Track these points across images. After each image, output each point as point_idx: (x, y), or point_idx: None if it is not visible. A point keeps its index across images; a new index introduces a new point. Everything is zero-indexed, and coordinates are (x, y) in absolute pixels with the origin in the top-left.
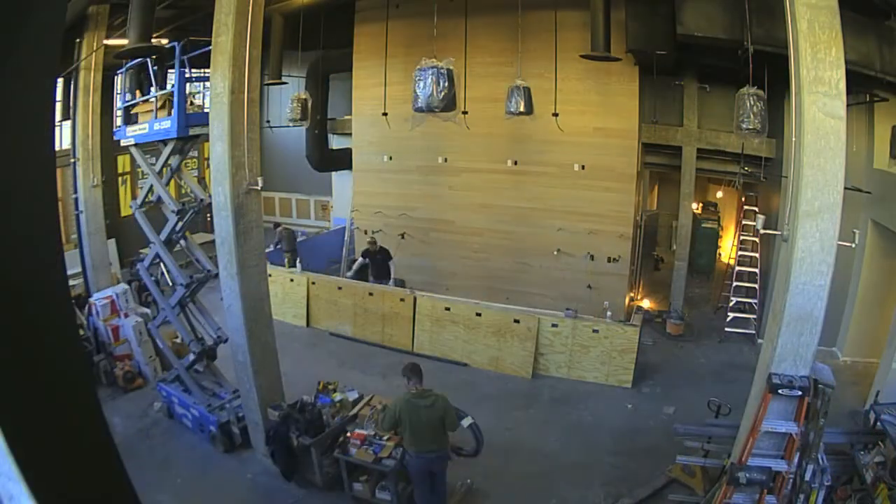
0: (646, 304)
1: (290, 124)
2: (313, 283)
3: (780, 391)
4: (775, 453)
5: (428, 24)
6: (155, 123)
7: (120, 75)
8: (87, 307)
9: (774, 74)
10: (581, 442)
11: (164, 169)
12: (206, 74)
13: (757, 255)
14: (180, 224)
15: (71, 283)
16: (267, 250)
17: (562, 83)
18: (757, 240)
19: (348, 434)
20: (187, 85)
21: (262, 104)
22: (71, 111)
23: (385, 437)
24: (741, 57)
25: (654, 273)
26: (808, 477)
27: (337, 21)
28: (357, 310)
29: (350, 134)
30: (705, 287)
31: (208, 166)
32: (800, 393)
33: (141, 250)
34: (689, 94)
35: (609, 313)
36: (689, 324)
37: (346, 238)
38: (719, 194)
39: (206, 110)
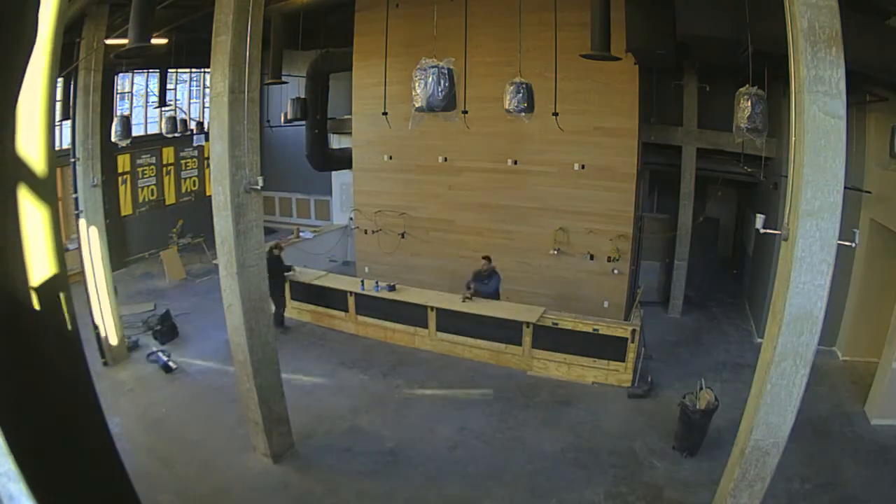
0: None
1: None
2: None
3: None
4: None
5: (428, 23)
6: None
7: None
8: None
9: (774, 74)
10: (581, 442)
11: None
12: None
13: None
14: None
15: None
16: None
17: (562, 83)
18: None
19: None
20: None
21: (262, 104)
22: (71, 111)
23: None
24: (741, 56)
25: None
26: None
27: (337, 21)
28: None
29: (350, 133)
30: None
31: (208, 166)
32: None
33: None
34: (689, 94)
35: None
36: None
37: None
38: (719, 194)
39: None
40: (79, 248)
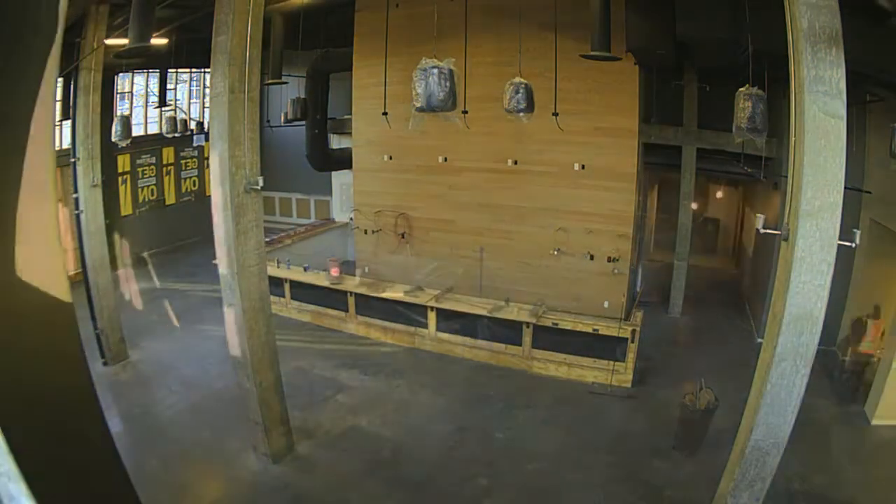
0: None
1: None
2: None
3: None
4: None
5: (428, 23)
6: None
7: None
8: None
9: (774, 74)
10: (581, 442)
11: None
12: None
13: None
14: None
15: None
16: None
17: (562, 83)
18: None
19: None
20: None
21: (262, 104)
22: (71, 111)
23: None
24: (741, 56)
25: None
26: None
27: (337, 21)
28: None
29: (350, 133)
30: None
31: (208, 166)
32: None
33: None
34: (689, 94)
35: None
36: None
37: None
38: (719, 194)
39: None
40: (79, 248)
